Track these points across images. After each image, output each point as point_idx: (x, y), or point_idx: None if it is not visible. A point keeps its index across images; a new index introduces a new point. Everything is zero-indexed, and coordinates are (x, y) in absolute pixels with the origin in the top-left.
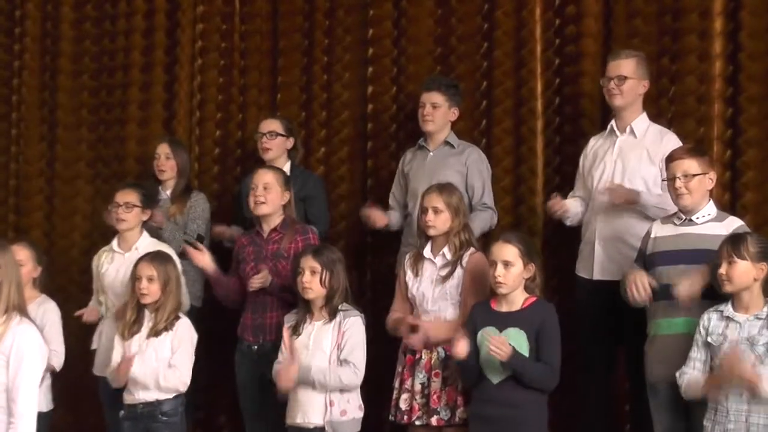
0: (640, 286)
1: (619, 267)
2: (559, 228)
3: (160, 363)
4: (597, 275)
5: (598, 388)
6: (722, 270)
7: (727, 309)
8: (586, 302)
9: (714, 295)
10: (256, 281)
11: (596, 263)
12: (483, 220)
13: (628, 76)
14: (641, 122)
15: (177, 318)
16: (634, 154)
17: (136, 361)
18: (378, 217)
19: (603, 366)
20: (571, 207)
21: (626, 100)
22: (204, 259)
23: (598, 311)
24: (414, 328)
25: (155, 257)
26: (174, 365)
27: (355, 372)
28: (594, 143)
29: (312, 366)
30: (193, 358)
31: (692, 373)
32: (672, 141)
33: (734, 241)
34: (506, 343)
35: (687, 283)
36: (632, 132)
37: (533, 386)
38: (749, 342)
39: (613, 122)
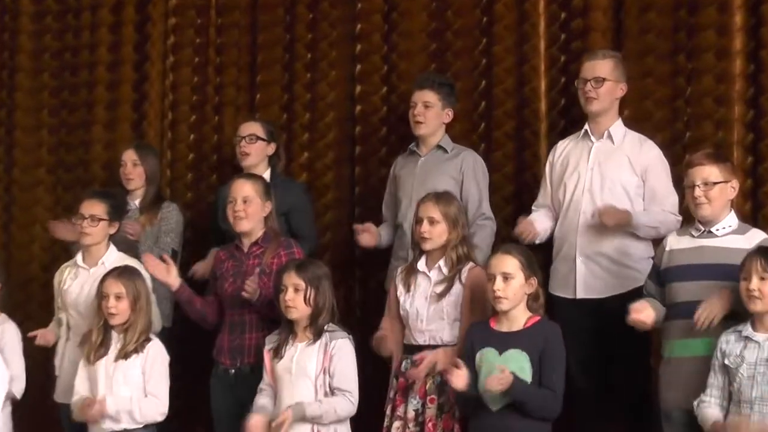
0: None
1: (604, 283)
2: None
3: (132, 391)
4: (581, 294)
5: (595, 417)
6: (753, 286)
7: (746, 329)
8: (570, 324)
9: (736, 315)
10: (249, 287)
11: (579, 281)
12: (487, 236)
13: (606, 78)
14: (618, 128)
15: (148, 339)
16: (613, 162)
17: (108, 398)
18: (367, 240)
19: (598, 393)
20: (539, 228)
21: (603, 103)
22: (167, 273)
23: (585, 332)
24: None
25: (123, 272)
26: (151, 393)
27: (351, 401)
28: (563, 148)
29: (304, 403)
30: (168, 383)
31: (708, 407)
32: (653, 149)
33: (766, 254)
34: (509, 376)
35: (705, 313)
36: (610, 137)
37: (535, 415)
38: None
39: (587, 126)
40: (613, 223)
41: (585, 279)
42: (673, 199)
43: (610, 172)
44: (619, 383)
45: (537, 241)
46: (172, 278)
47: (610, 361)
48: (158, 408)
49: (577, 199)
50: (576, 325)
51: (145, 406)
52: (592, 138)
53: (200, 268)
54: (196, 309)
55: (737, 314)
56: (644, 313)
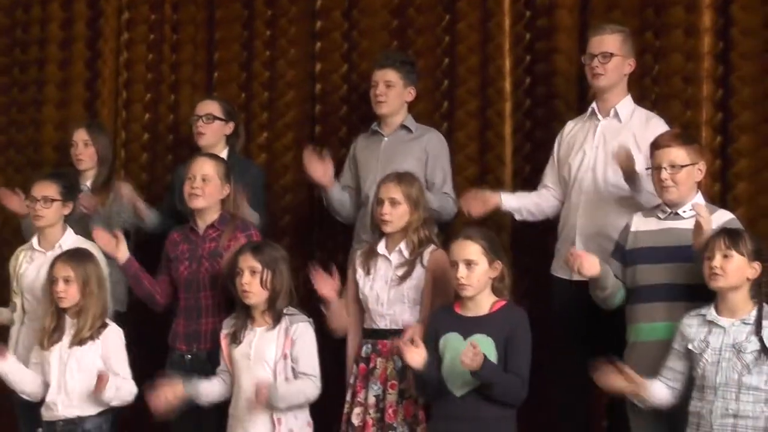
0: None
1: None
2: (530, 224)
3: (87, 379)
4: (577, 275)
5: (577, 402)
6: (716, 263)
7: (710, 313)
8: (564, 306)
9: (698, 296)
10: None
11: (568, 252)
12: (439, 200)
13: (613, 53)
14: (626, 105)
15: (104, 325)
16: (618, 140)
17: (67, 374)
18: (317, 169)
19: (582, 377)
20: (504, 200)
21: (610, 80)
22: (117, 246)
23: (577, 315)
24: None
25: (72, 255)
26: (118, 374)
27: (315, 383)
28: (572, 127)
29: (277, 383)
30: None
31: (659, 388)
32: (659, 126)
33: (731, 233)
34: (480, 353)
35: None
36: (616, 115)
37: (501, 400)
38: (735, 349)
39: (594, 105)
40: (623, 163)
41: None
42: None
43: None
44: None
45: (517, 218)
46: (121, 252)
47: (603, 344)
48: (131, 389)
49: (581, 177)
50: (572, 306)
51: (122, 383)
52: (599, 116)
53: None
54: (143, 286)
55: (695, 294)
56: (589, 260)
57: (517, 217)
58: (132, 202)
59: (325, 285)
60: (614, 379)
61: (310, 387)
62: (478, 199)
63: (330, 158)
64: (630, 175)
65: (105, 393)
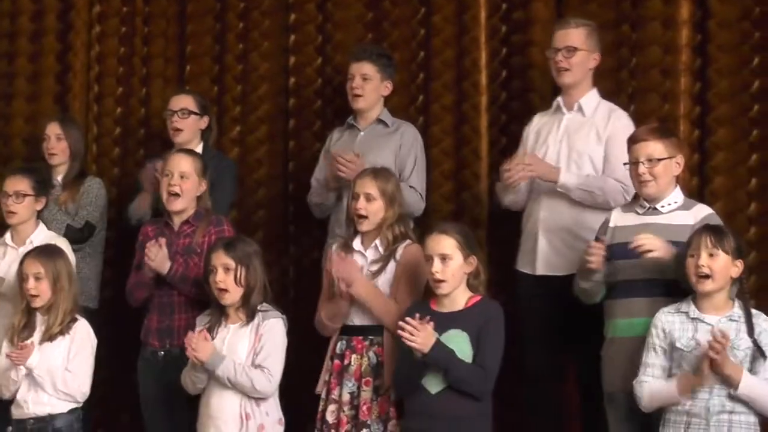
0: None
1: (565, 261)
2: (506, 218)
3: (54, 370)
4: (540, 270)
5: (546, 400)
6: (702, 262)
7: (692, 310)
8: (529, 301)
9: (677, 291)
10: (152, 253)
11: (539, 257)
12: (413, 201)
13: (578, 48)
14: (591, 99)
15: (74, 320)
16: (581, 134)
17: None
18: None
19: (551, 374)
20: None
21: (575, 74)
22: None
23: (543, 310)
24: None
25: (42, 252)
26: (72, 371)
27: (269, 379)
28: (538, 121)
29: (226, 358)
30: (93, 366)
31: (653, 381)
32: (621, 118)
33: (715, 231)
34: (427, 330)
35: (647, 240)
36: (580, 109)
37: (461, 388)
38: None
39: (559, 98)
40: (535, 174)
41: (546, 255)
42: (623, 172)
43: (578, 144)
44: (578, 363)
45: (507, 206)
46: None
47: (568, 341)
48: (80, 386)
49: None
50: (536, 301)
51: (68, 377)
52: (564, 110)
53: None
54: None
55: (680, 291)
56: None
57: (506, 204)
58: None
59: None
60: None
61: (260, 378)
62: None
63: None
64: (550, 180)
65: (27, 361)
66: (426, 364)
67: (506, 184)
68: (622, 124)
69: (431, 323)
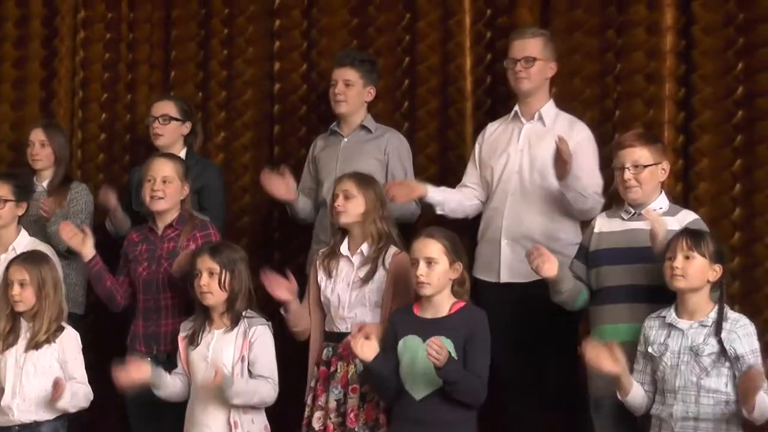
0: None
1: (529, 268)
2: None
3: (43, 382)
4: (504, 277)
5: (524, 406)
6: (677, 263)
7: (670, 315)
8: (493, 309)
9: (662, 297)
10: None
11: (503, 264)
12: (403, 207)
13: (536, 57)
14: (550, 109)
15: (60, 328)
16: (544, 144)
17: (23, 378)
18: (279, 188)
19: (527, 381)
20: (431, 192)
21: (534, 83)
22: (83, 243)
23: (510, 318)
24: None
25: (27, 258)
26: (79, 382)
27: (274, 387)
28: (494, 129)
29: (235, 377)
30: None
31: (638, 391)
32: (583, 131)
33: (693, 234)
34: (446, 347)
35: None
36: (541, 119)
37: (462, 399)
38: (693, 352)
39: (516, 108)
40: (563, 151)
41: (510, 262)
42: (596, 181)
43: (540, 153)
44: (546, 371)
45: (438, 211)
46: (87, 248)
47: (536, 347)
48: (87, 395)
49: (506, 180)
50: (500, 309)
51: (78, 391)
52: (522, 119)
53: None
54: (105, 286)
55: (666, 296)
56: (550, 261)
57: (438, 210)
58: (113, 210)
59: (280, 287)
60: (604, 359)
61: (267, 389)
62: (404, 186)
63: (290, 172)
64: (563, 169)
65: (61, 400)
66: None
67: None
68: (583, 136)
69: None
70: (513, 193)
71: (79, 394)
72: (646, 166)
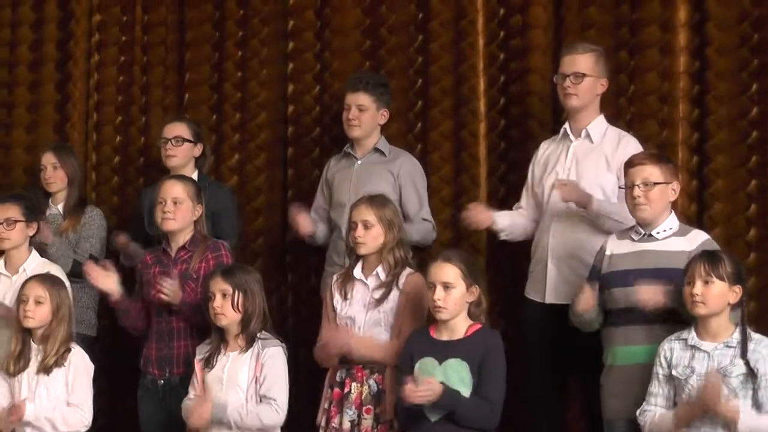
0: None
1: (573, 289)
2: (505, 244)
3: (56, 403)
4: (549, 298)
5: (552, 427)
6: (697, 290)
7: (691, 337)
8: (537, 329)
9: (675, 318)
10: (166, 288)
11: (549, 285)
12: (419, 232)
13: (586, 74)
14: (598, 125)
15: (68, 350)
16: (590, 161)
17: (29, 403)
18: (304, 222)
19: (556, 402)
20: (498, 219)
21: (583, 100)
22: (108, 281)
23: (550, 339)
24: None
25: (47, 278)
26: (74, 404)
27: (277, 410)
28: (545, 148)
29: (227, 404)
30: (92, 392)
31: (657, 410)
32: (631, 145)
33: (711, 258)
34: (434, 385)
35: (651, 291)
36: (588, 136)
37: (470, 426)
38: (721, 374)
39: (566, 125)
40: (569, 197)
41: (555, 283)
42: None
43: (587, 171)
44: (582, 393)
45: (502, 237)
46: (114, 286)
47: (571, 370)
48: (83, 418)
49: (554, 199)
50: (543, 330)
51: (68, 413)
52: (571, 136)
53: (125, 239)
54: (131, 316)
55: (676, 315)
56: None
57: (503, 236)
58: (126, 249)
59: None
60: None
61: (268, 412)
62: (477, 217)
63: (305, 209)
64: (582, 206)
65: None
66: (433, 406)
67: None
68: (631, 150)
69: (433, 379)
70: (558, 212)
71: (71, 417)
72: (656, 184)
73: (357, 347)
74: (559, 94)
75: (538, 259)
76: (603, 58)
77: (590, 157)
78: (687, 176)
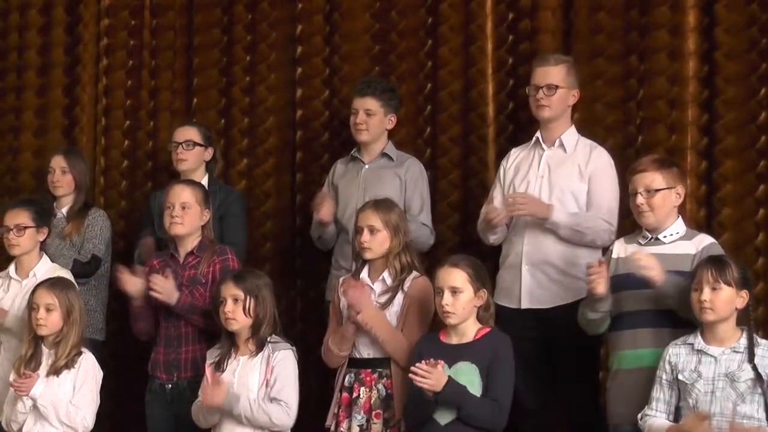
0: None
1: (550, 293)
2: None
3: (61, 401)
4: (525, 304)
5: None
6: (705, 297)
7: (698, 341)
8: (514, 335)
9: (676, 323)
10: (158, 286)
11: (524, 290)
12: (415, 231)
13: (558, 85)
14: (571, 135)
15: (79, 353)
16: (563, 170)
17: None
18: (327, 210)
19: (542, 407)
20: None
21: (555, 111)
22: (135, 284)
23: (531, 343)
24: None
25: (55, 283)
26: (76, 405)
27: (287, 412)
28: (516, 155)
29: (241, 397)
30: (98, 400)
31: (656, 418)
32: (603, 156)
33: (718, 264)
34: (438, 372)
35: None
36: (561, 145)
37: (476, 425)
38: (729, 378)
39: (538, 134)
40: (526, 211)
41: (530, 288)
42: (609, 206)
43: (559, 180)
44: (566, 398)
45: (491, 240)
46: (138, 289)
47: (556, 374)
48: (83, 420)
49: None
50: (520, 336)
51: (71, 410)
52: (544, 145)
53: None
54: (146, 323)
55: (676, 320)
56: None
57: (493, 239)
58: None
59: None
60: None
61: (278, 412)
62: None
63: (332, 198)
64: (539, 218)
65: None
66: (437, 402)
67: (491, 224)
68: (602, 161)
69: (441, 363)
70: (532, 219)
71: (71, 414)
72: (658, 191)
73: (370, 312)
74: (531, 105)
75: (510, 264)
76: (573, 69)
77: (563, 166)
78: (696, 181)
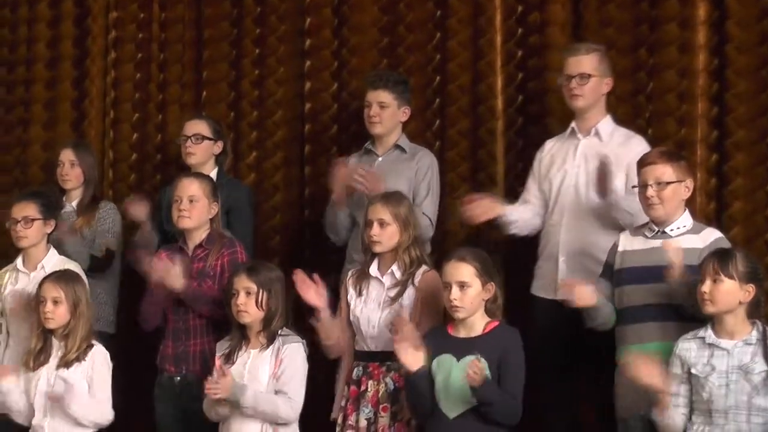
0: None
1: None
2: (522, 243)
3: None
4: (561, 295)
5: (561, 422)
6: (705, 288)
7: (709, 335)
8: (547, 327)
9: (684, 317)
10: (161, 269)
11: (560, 281)
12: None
13: (591, 74)
14: (606, 124)
15: (90, 346)
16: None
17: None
18: (339, 194)
19: (568, 401)
20: (508, 212)
21: (589, 100)
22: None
23: (560, 336)
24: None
25: (61, 276)
26: (95, 399)
27: (291, 405)
28: (551, 146)
29: (247, 388)
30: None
31: (678, 413)
32: (640, 145)
33: (722, 256)
34: (484, 369)
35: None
36: (597, 134)
37: (497, 420)
38: (743, 371)
39: (573, 124)
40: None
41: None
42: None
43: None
44: (587, 388)
45: (511, 230)
46: (177, 279)
47: (581, 368)
48: (104, 413)
49: (563, 195)
50: (555, 328)
51: (92, 404)
52: (579, 135)
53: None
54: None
55: (685, 314)
56: (582, 291)
57: (512, 230)
58: (143, 223)
59: (309, 290)
60: (650, 373)
61: (284, 404)
62: (481, 207)
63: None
64: (602, 188)
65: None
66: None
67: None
68: (640, 150)
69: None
70: (570, 209)
71: (94, 411)
72: (668, 184)
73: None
74: (565, 95)
75: (548, 254)
76: (606, 57)
77: (599, 156)
78: (706, 174)
